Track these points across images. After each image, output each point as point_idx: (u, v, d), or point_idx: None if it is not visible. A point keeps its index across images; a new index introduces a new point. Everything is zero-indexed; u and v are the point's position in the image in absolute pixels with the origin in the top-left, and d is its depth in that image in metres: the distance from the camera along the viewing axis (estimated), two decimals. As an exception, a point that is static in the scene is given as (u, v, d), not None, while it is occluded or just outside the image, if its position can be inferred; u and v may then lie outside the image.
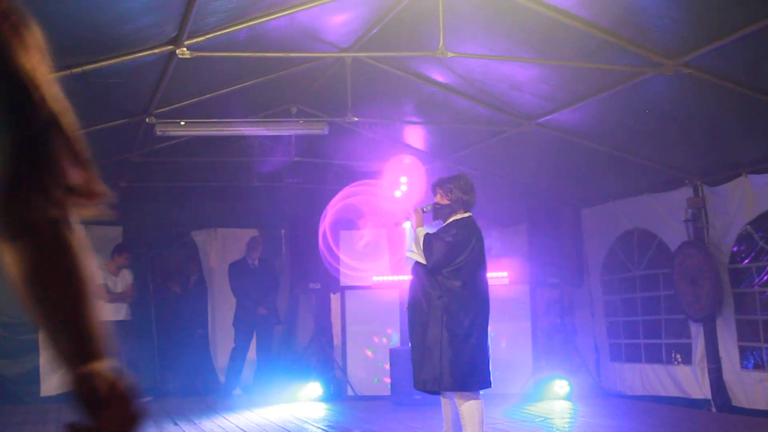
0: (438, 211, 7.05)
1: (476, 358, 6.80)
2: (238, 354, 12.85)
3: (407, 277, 7.41)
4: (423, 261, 6.85)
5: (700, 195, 10.01)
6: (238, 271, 12.97)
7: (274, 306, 13.15)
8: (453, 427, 7.06)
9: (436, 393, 7.03)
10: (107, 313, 11.98)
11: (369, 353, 12.13)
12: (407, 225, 7.36)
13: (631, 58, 7.07)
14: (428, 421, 9.43)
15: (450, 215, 6.99)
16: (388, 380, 11.57)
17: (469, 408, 6.74)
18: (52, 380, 12.34)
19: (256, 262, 13.05)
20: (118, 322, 12.30)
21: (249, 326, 12.85)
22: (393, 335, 11.95)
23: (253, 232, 13.38)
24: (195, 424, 9.78)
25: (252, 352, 12.93)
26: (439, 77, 8.35)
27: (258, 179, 11.80)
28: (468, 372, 6.73)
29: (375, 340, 12.13)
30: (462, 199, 6.96)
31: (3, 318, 12.29)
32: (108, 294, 12.22)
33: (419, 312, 6.86)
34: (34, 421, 10.10)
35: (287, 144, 10.30)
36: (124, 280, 12.45)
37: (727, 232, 9.70)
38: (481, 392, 6.87)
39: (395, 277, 11.86)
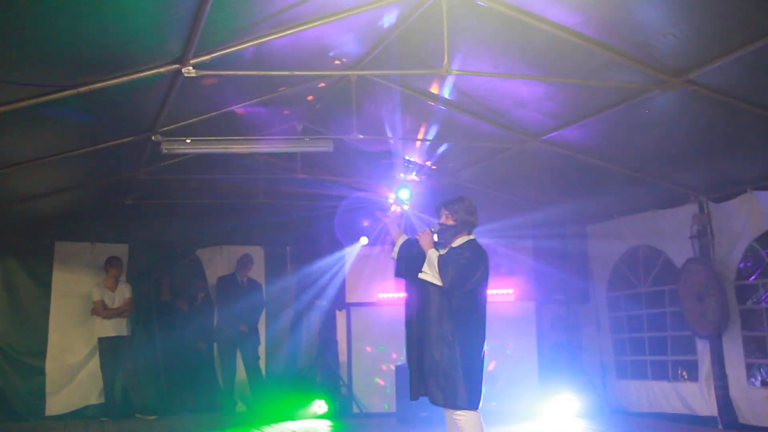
0: (443, 232, 7.09)
1: (478, 376, 6.84)
2: (226, 370, 12.88)
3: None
4: (438, 282, 6.86)
5: (706, 211, 10.01)
6: (225, 285, 13.03)
7: (255, 326, 13.16)
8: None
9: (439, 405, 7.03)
10: (106, 329, 12.02)
11: (379, 381, 12.12)
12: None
13: (635, 75, 7.08)
14: (434, 438, 9.43)
15: (454, 236, 7.03)
16: (382, 382, 11.61)
17: (469, 423, 6.74)
18: (57, 399, 12.34)
19: (245, 280, 13.10)
20: (119, 338, 12.31)
21: (231, 343, 12.90)
22: (398, 360, 11.92)
23: (258, 249, 13.38)
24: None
25: (241, 372, 12.93)
26: (444, 94, 8.36)
27: (263, 196, 11.81)
28: (470, 390, 6.74)
29: (383, 368, 12.12)
30: (467, 221, 7.03)
31: (8, 338, 12.30)
32: (105, 310, 12.22)
33: (427, 330, 6.86)
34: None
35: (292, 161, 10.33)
36: (122, 294, 12.44)
37: (734, 249, 9.69)
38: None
39: (401, 294, 11.85)
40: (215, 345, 13.28)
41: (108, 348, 12.29)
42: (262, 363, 13.10)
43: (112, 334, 12.32)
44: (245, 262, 13.17)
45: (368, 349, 12.21)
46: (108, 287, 12.40)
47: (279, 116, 9.32)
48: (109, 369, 12.28)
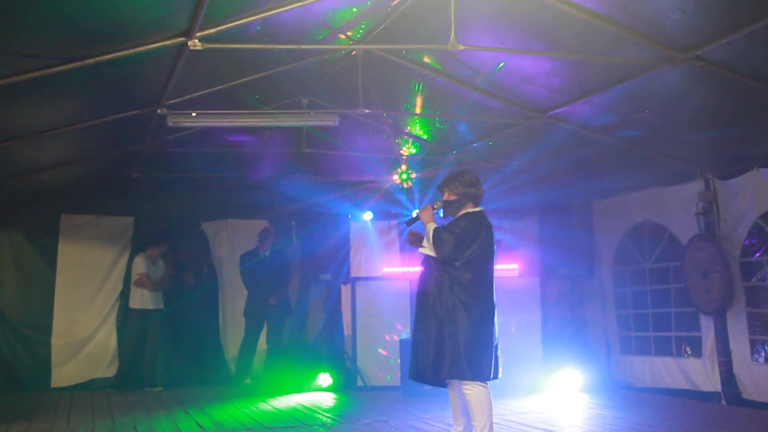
0: (447, 208, 7.14)
1: (487, 348, 6.84)
2: (248, 344, 12.88)
3: (417, 269, 7.45)
4: (433, 254, 6.90)
5: (712, 188, 10.00)
6: (249, 261, 12.99)
7: (286, 296, 13.16)
8: (462, 418, 7.09)
9: (443, 386, 7.06)
10: (145, 301, 12.12)
11: (382, 351, 12.15)
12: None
13: (642, 51, 7.05)
14: (438, 411, 9.47)
15: (459, 210, 7.07)
16: (384, 353, 11.65)
17: (477, 397, 6.77)
18: (63, 371, 12.42)
19: (268, 253, 13.04)
20: (153, 310, 12.41)
21: (260, 317, 12.87)
22: (402, 332, 11.96)
23: (263, 223, 13.39)
24: (206, 413, 9.82)
25: (262, 342, 12.96)
26: (450, 69, 8.33)
27: (269, 170, 11.81)
28: (478, 362, 6.75)
29: (386, 338, 12.15)
30: (468, 193, 7.05)
31: (14, 310, 12.36)
32: (150, 282, 12.32)
33: (430, 304, 6.89)
34: (45, 411, 10.16)
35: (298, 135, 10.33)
36: (161, 268, 12.57)
37: (739, 226, 9.69)
38: (490, 383, 6.89)
39: (405, 269, 11.88)
40: (220, 317, 13.33)
41: (138, 320, 12.35)
42: (263, 336, 13.09)
43: (151, 306, 12.40)
44: (266, 234, 13.08)
45: (373, 324, 12.23)
46: (152, 260, 12.51)
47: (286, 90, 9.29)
48: (133, 341, 12.35)
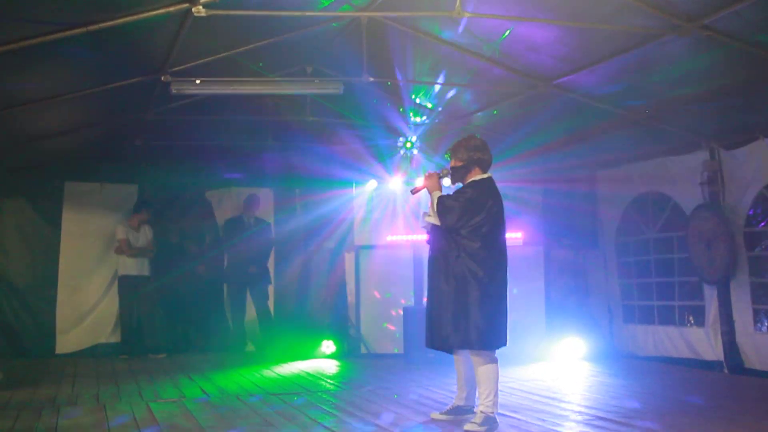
0: (455, 175, 7.09)
1: (497, 317, 6.84)
2: (236, 310, 12.95)
3: (421, 237, 7.46)
4: (438, 223, 6.88)
5: (717, 158, 9.98)
6: (233, 227, 13.03)
7: (265, 266, 13.18)
8: (466, 386, 7.14)
9: (450, 352, 7.09)
10: (128, 267, 12.18)
11: (389, 326, 12.18)
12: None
13: (649, 19, 7.01)
14: (441, 378, 9.51)
15: (466, 176, 7.02)
16: (392, 328, 11.70)
17: (484, 367, 6.80)
18: (68, 338, 12.49)
19: (252, 221, 13.08)
20: (140, 277, 12.51)
21: (240, 284, 12.94)
22: (406, 300, 11.98)
23: (266, 191, 13.39)
24: (210, 379, 9.87)
25: (252, 311, 13.01)
26: (455, 38, 8.29)
27: (273, 138, 11.79)
28: (488, 331, 6.75)
29: (392, 313, 12.18)
30: (474, 158, 6.99)
31: (19, 277, 12.40)
32: (130, 248, 12.39)
33: (441, 273, 6.89)
34: (50, 377, 10.22)
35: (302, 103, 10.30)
36: (146, 235, 12.63)
37: (743, 196, 9.68)
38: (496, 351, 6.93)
39: (409, 237, 11.89)
40: (225, 286, 13.37)
41: (128, 286, 12.47)
42: (270, 303, 13.18)
43: (134, 273, 12.52)
44: (251, 202, 13.11)
45: (376, 292, 12.26)
46: (132, 227, 12.55)
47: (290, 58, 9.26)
48: (128, 308, 12.47)
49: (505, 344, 6.91)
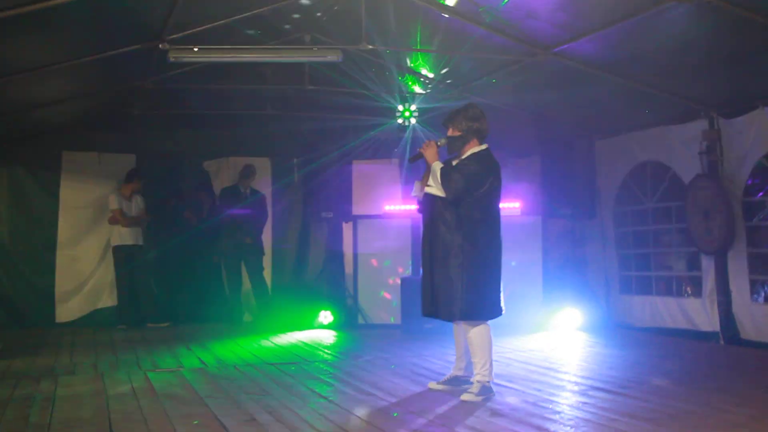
0: (452, 144, 7.07)
1: (491, 287, 6.89)
2: (232, 281, 12.95)
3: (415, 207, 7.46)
4: (441, 194, 6.85)
5: (716, 127, 9.94)
6: (228, 197, 12.99)
7: (259, 237, 13.15)
8: (465, 356, 7.15)
9: (447, 320, 7.09)
10: (123, 237, 12.18)
11: (386, 295, 12.19)
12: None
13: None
14: (438, 349, 9.53)
15: (464, 146, 7.01)
16: (388, 296, 11.71)
17: (477, 334, 6.82)
18: (68, 306, 12.52)
19: (248, 191, 13.04)
20: (135, 246, 12.51)
21: (236, 255, 12.92)
22: (404, 270, 11.98)
23: (265, 161, 13.36)
24: (208, 349, 9.90)
25: (247, 282, 13.02)
26: (455, 5, 8.23)
27: (271, 107, 11.75)
28: (482, 301, 6.80)
29: (389, 282, 12.18)
30: (472, 128, 6.98)
31: (18, 246, 12.41)
32: (125, 218, 12.37)
33: (439, 243, 6.88)
34: (48, 347, 10.24)
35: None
36: (138, 205, 12.62)
37: (742, 165, 9.65)
38: (495, 320, 6.95)
39: (407, 207, 11.87)
40: (221, 257, 13.38)
41: (124, 256, 12.49)
42: (267, 274, 13.18)
43: (129, 242, 12.53)
44: (247, 172, 13.05)
45: (374, 262, 12.26)
46: (125, 197, 12.53)
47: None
48: (124, 277, 12.49)
49: (500, 314, 6.94)
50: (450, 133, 7.07)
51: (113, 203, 12.45)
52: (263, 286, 13.03)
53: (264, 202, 13.29)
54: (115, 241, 12.52)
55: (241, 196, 12.98)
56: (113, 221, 12.46)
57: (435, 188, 6.92)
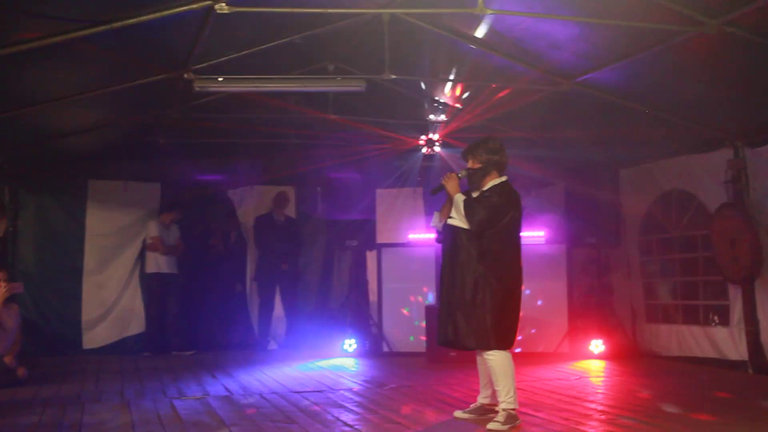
0: (472, 176, 7.15)
1: (511, 317, 6.96)
2: (264, 308, 13.00)
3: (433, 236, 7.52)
4: (465, 226, 6.90)
5: (741, 156, 9.90)
6: (263, 225, 13.07)
7: (296, 263, 13.22)
8: (489, 384, 7.13)
9: (470, 349, 7.09)
10: (159, 265, 12.29)
11: (405, 312, 12.18)
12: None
13: (673, 16, 6.96)
14: (463, 377, 9.50)
15: (484, 178, 7.08)
16: (424, 338, 11.64)
17: (499, 362, 6.83)
18: (94, 333, 12.59)
19: (282, 219, 13.11)
20: (169, 274, 12.60)
21: (271, 281, 12.98)
22: (428, 294, 11.98)
23: (289, 189, 13.42)
24: (233, 376, 9.91)
25: (279, 308, 13.06)
26: (477, 35, 8.26)
27: (295, 137, 11.80)
28: (504, 331, 6.85)
29: (411, 299, 12.18)
30: (492, 160, 7.07)
31: (44, 274, 12.50)
32: (164, 246, 12.47)
33: (459, 273, 6.92)
34: (75, 374, 10.29)
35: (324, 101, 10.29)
36: (174, 234, 12.73)
37: (768, 194, 9.59)
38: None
39: (431, 235, 11.86)
40: (249, 284, 13.42)
41: (157, 284, 12.57)
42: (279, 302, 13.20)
43: (165, 270, 12.63)
44: (281, 200, 13.15)
45: (399, 290, 12.23)
46: (164, 225, 12.65)
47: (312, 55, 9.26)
48: (155, 305, 12.55)
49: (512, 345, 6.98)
50: (470, 165, 7.15)
51: (153, 230, 12.56)
52: (296, 312, 13.08)
53: (298, 228, 13.36)
54: (151, 269, 12.60)
55: (276, 223, 13.03)
56: (153, 248, 12.55)
57: (458, 220, 6.98)
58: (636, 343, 11.84)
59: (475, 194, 7.09)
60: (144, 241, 12.76)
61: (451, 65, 9.31)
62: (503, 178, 7.11)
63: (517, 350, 6.97)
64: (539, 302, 11.76)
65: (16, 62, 7.35)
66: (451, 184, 7.13)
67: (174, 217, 12.81)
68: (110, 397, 8.52)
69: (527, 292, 11.44)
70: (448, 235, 7.14)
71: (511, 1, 7.31)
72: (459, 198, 7.02)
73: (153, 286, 12.62)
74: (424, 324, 11.62)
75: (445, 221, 7.14)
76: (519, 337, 7.02)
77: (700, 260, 10.86)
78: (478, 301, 6.81)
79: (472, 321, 6.82)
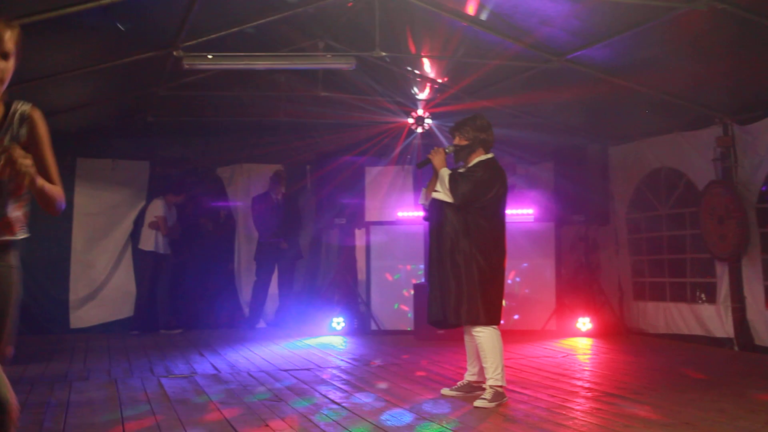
0: (459, 153, 7.19)
1: (500, 293, 7.01)
2: (259, 287, 12.98)
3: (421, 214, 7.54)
4: (450, 200, 6.94)
5: (730, 134, 9.92)
6: (260, 204, 13.02)
7: (296, 241, 13.22)
8: (477, 362, 7.15)
9: (459, 325, 7.12)
10: (158, 244, 12.27)
11: (390, 277, 12.16)
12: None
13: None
14: (451, 355, 9.53)
15: (470, 155, 7.12)
16: (406, 308, 11.70)
17: (487, 338, 6.87)
18: (81, 313, 12.55)
19: (279, 197, 13.07)
20: (163, 255, 12.58)
21: (270, 260, 12.95)
22: (417, 276, 11.97)
23: (278, 167, 13.39)
24: (221, 355, 9.92)
25: (274, 287, 13.06)
26: (468, 12, 8.24)
27: (284, 114, 11.77)
28: (492, 307, 6.88)
29: (399, 267, 12.17)
30: (479, 138, 7.10)
31: (32, 254, 12.44)
32: (165, 226, 12.46)
33: (447, 249, 6.94)
34: (62, 353, 10.29)
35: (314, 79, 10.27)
36: (173, 216, 12.70)
37: (756, 172, 9.62)
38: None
39: (420, 213, 11.87)
40: (237, 262, 13.42)
41: (151, 263, 12.53)
42: (274, 281, 13.18)
43: (161, 251, 12.58)
44: (278, 178, 13.07)
45: (387, 269, 12.23)
46: (169, 206, 12.64)
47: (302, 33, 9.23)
48: (146, 284, 12.53)
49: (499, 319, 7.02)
50: (457, 141, 7.18)
51: (160, 210, 12.51)
52: (291, 287, 13.08)
53: (297, 206, 13.33)
54: (148, 247, 12.54)
55: (273, 202, 13.00)
56: (154, 226, 12.50)
57: (443, 193, 7.01)
58: (623, 320, 11.89)
59: (461, 170, 7.12)
60: (140, 217, 12.70)
61: (441, 42, 9.28)
62: (489, 155, 7.15)
63: (505, 327, 6.95)
64: (527, 277, 11.79)
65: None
66: (437, 159, 7.15)
67: (179, 200, 12.80)
68: (98, 376, 8.52)
69: (522, 266, 11.51)
70: (434, 211, 7.16)
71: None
72: (444, 172, 7.05)
73: (147, 264, 12.58)
74: (411, 292, 11.64)
75: (432, 196, 7.16)
76: (516, 317, 7.00)
77: (687, 238, 10.90)
78: (464, 278, 6.85)
79: (461, 298, 6.85)
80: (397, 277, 12.18)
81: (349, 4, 8.35)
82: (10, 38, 3.62)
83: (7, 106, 3.85)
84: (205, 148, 13.30)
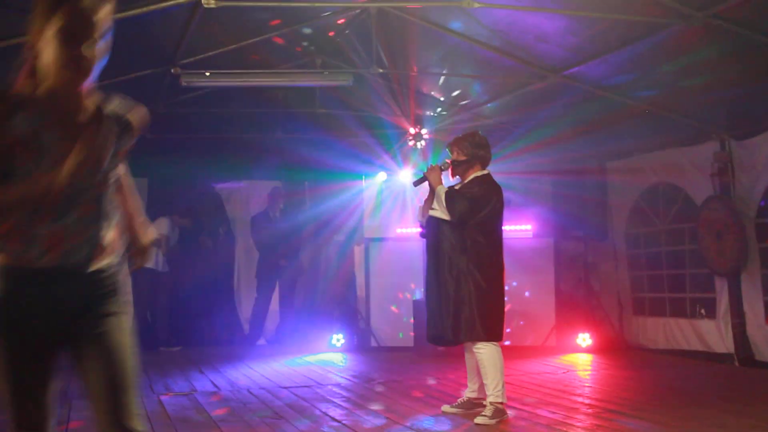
0: (455, 168, 7.18)
1: (499, 309, 7.00)
2: (260, 305, 12.95)
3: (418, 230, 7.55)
4: (447, 217, 6.93)
5: (727, 149, 9.93)
6: (260, 223, 13.02)
7: (297, 257, 13.20)
8: (477, 378, 7.14)
9: (459, 343, 7.11)
10: (158, 263, 12.26)
11: (394, 309, 12.17)
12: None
13: (660, 9, 6.97)
14: (451, 371, 9.51)
15: (467, 171, 7.13)
16: (412, 334, 11.65)
17: (489, 356, 6.83)
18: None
19: (278, 214, 13.07)
20: (161, 272, 12.54)
21: (271, 278, 12.93)
22: (416, 290, 11.97)
23: (276, 184, 13.39)
24: (220, 372, 9.89)
25: (275, 304, 13.04)
26: (465, 28, 8.26)
27: (282, 131, 11.78)
28: (492, 323, 6.87)
29: (399, 296, 12.17)
30: (477, 154, 7.10)
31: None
32: (166, 246, 12.45)
33: (445, 266, 6.94)
34: (61, 369, 10.24)
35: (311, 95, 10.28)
36: (175, 237, 12.69)
37: (754, 187, 9.63)
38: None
39: (419, 229, 11.87)
40: (235, 277, 13.40)
41: (147, 280, 12.48)
42: (276, 297, 13.15)
43: (159, 269, 12.52)
44: (275, 195, 13.08)
45: (386, 285, 12.21)
46: (174, 225, 12.63)
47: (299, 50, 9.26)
48: (145, 301, 12.49)
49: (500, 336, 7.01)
50: (454, 157, 7.17)
51: (164, 227, 12.49)
52: (290, 307, 13.05)
53: (296, 221, 13.31)
54: (147, 264, 12.48)
55: (272, 219, 12.99)
56: (157, 243, 12.47)
57: (440, 211, 7.00)
58: (623, 336, 11.88)
59: (457, 186, 7.13)
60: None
61: (438, 59, 9.30)
62: (485, 171, 7.15)
63: (506, 343, 6.95)
64: (527, 294, 11.78)
65: (2, 57, 7.30)
66: (433, 176, 7.16)
67: (185, 223, 12.79)
68: (98, 393, 8.48)
69: (514, 284, 11.51)
70: (431, 227, 7.16)
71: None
72: (441, 189, 7.06)
73: (145, 282, 12.54)
74: (412, 320, 11.62)
75: (428, 214, 7.16)
76: (507, 330, 7.00)
77: (686, 253, 10.90)
78: (463, 294, 6.84)
79: (459, 315, 6.84)
80: (395, 307, 12.16)
81: (331, 34, 8.41)
82: (107, 15, 2.83)
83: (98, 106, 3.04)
84: (203, 164, 13.29)
